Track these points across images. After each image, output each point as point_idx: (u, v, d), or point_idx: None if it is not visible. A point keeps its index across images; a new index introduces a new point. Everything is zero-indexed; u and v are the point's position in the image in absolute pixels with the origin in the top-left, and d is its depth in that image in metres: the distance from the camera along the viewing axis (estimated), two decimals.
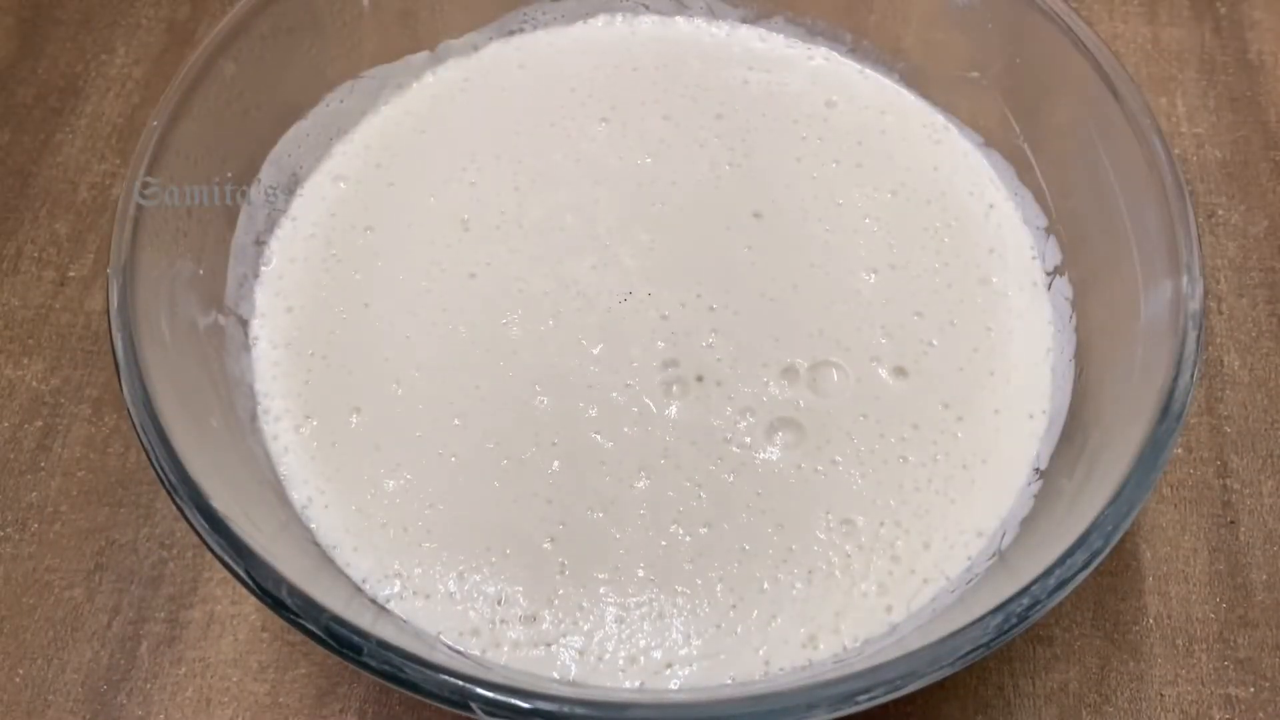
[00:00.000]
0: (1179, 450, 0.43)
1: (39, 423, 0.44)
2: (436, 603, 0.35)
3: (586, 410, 0.38)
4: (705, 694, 0.34)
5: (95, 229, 0.49)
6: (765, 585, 0.35)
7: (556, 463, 0.37)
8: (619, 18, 0.48)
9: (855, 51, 0.47)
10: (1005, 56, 0.43)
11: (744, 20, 0.48)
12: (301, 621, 0.29)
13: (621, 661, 0.34)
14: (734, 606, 0.35)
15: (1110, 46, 0.39)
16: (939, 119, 0.45)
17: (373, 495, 0.37)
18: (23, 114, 0.52)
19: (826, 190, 0.43)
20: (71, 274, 0.48)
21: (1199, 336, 0.33)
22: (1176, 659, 0.40)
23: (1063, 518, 0.33)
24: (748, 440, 0.38)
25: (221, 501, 0.31)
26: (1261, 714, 0.39)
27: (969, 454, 0.38)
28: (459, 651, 0.34)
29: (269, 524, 0.34)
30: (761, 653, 0.34)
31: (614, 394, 0.38)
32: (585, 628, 0.35)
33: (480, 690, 0.28)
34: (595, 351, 0.39)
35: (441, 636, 0.35)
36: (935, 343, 0.40)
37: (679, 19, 0.48)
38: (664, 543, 0.36)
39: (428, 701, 0.29)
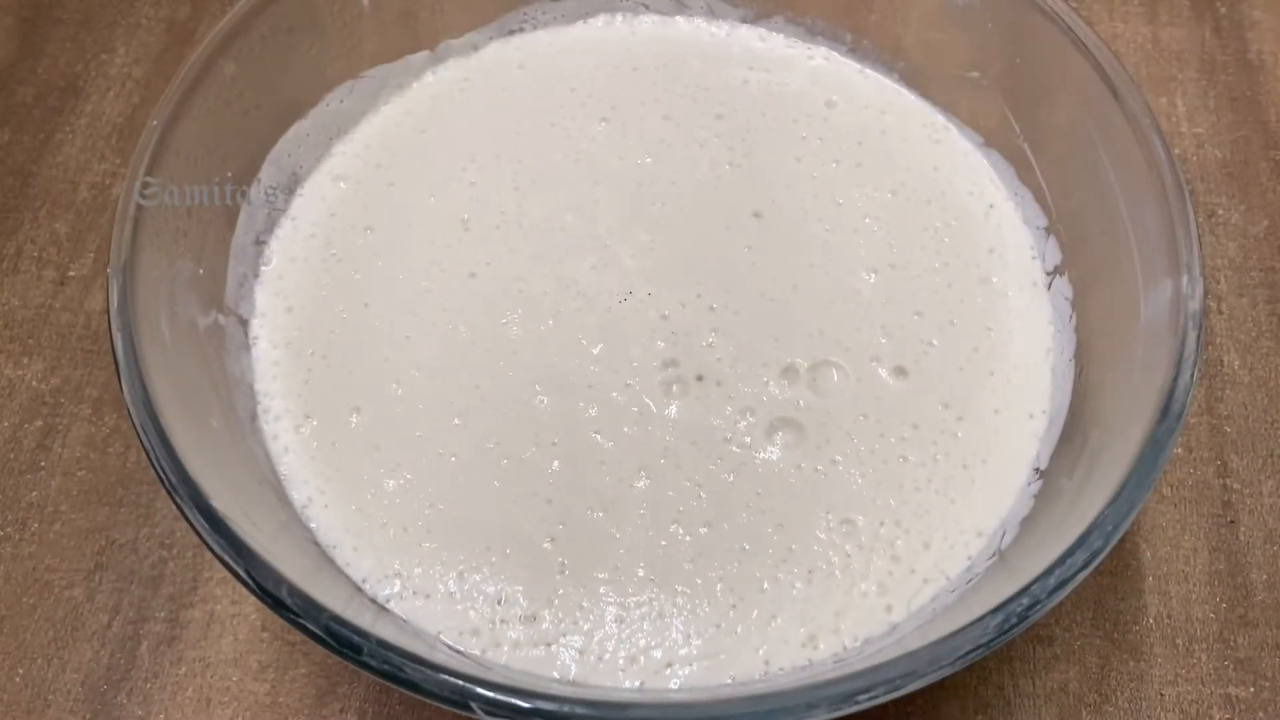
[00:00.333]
0: (1179, 450, 0.43)
1: (39, 423, 0.44)
2: (436, 602, 0.35)
3: (586, 410, 0.38)
4: (705, 694, 0.34)
5: (95, 229, 0.49)
6: (765, 585, 0.35)
7: (556, 462, 0.37)
8: (619, 17, 0.48)
9: (855, 51, 0.47)
10: (1005, 56, 0.43)
11: (744, 20, 0.48)
12: (301, 621, 0.29)
13: (621, 661, 0.34)
14: (734, 606, 0.35)
15: (1110, 46, 0.39)
16: (939, 119, 0.45)
17: (373, 495, 0.37)
18: (23, 113, 0.52)
19: (826, 190, 0.43)
20: (71, 274, 0.48)
21: (1199, 336, 0.33)
22: (1176, 659, 0.40)
23: (1063, 517, 0.33)
24: (748, 440, 0.38)
25: (221, 501, 0.31)
26: (1261, 714, 0.39)
27: (969, 454, 0.38)
28: (459, 651, 0.34)
29: (269, 524, 0.34)
30: (761, 652, 0.34)
31: (614, 394, 0.38)
32: (585, 627, 0.35)
33: (480, 690, 0.28)
34: (595, 351, 0.39)
35: (441, 636, 0.35)
36: (935, 343, 0.40)
37: (679, 19, 0.48)
38: (664, 542, 0.36)
39: (428, 701, 0.29)
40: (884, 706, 0.29)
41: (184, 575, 0.41)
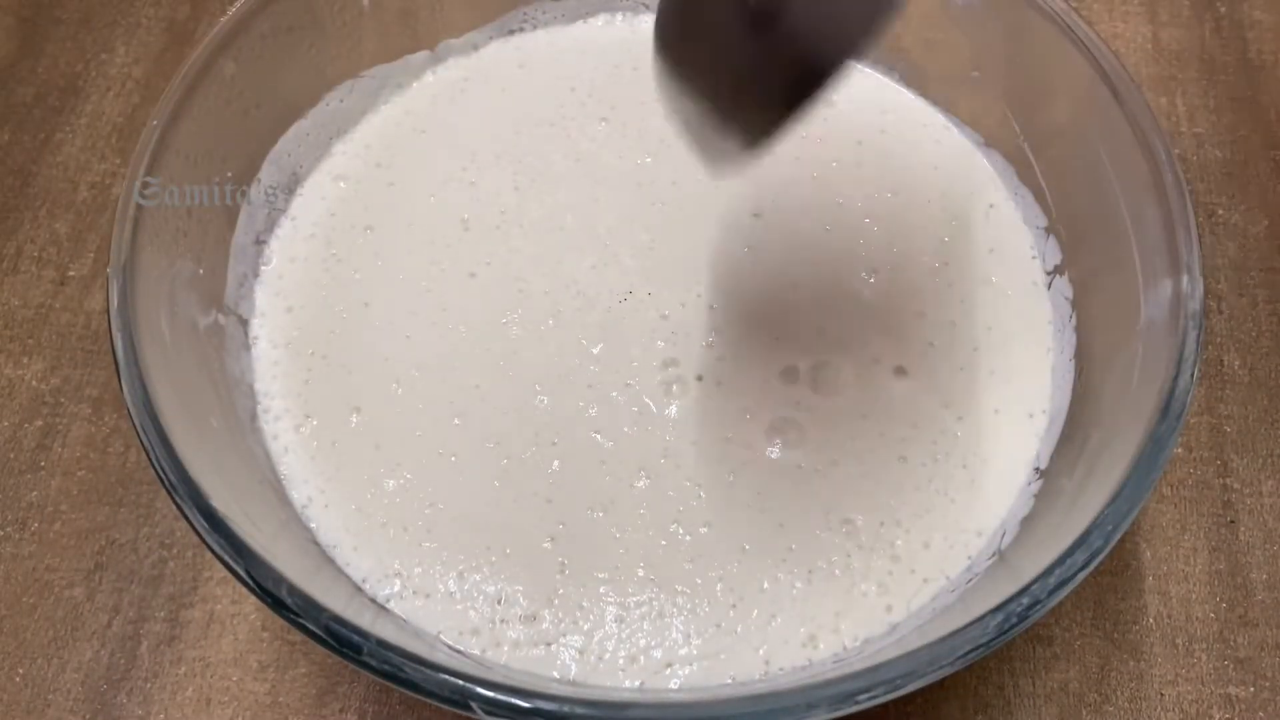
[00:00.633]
0: (1179, 450, 0.43)
1: (39, 422, 0.44)
2: (436, 602, 0.35)
3: (586, 410, 0.38)
4: (705, 694, 0.34)
5: (95, 229, 0.49)
6: (765, 585, 0.35)
7: (556, 462, 0.37)
8: (619, 17, 0.48)
9: None
10: (1005, 56, 0.43)
11: None
12: (301, 621, 0.29)
13: (621, 661, 0.34)
14: (734, 606, 0.35)
15: (1110, 46, 0.39)
16: (939, 119, 0.45)
17: (373, 495, 0.37)
18: (23, 113, 0.52)
19: (826, 190, 0.43)
20: (71, 273, 0.48)
21: (1199, 336, 0.33)
22: (1176, 659, 0.40)
23: (1063, 517, 0.33)
24: (748, 440, 0.38)
25: (221, 501, 0.31)
26: (1261, 714, 0.39)
27: (969, 454, 0.38)
28: (459, 651, 0.34)
29: (269, 523, 0.34)
30: (761, 652, 0.34)
31: (614, 393, 0.38)
32: (585, 627, 0.35)
33: (480, 690, 0.28)
34: (595, 351, 0.39)
35: (441, 636, 0.35)
36: (935, 343, 0.40)
37: None
38: (664, 542, 0.36)
39: (428, 701, 0.29)
40: (884, 706, 0.29)
41: (184, 575, 0.41)
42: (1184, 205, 0.35)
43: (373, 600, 0.35)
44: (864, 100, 0.46)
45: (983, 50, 0.43)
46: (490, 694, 0.28)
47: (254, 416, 0.38)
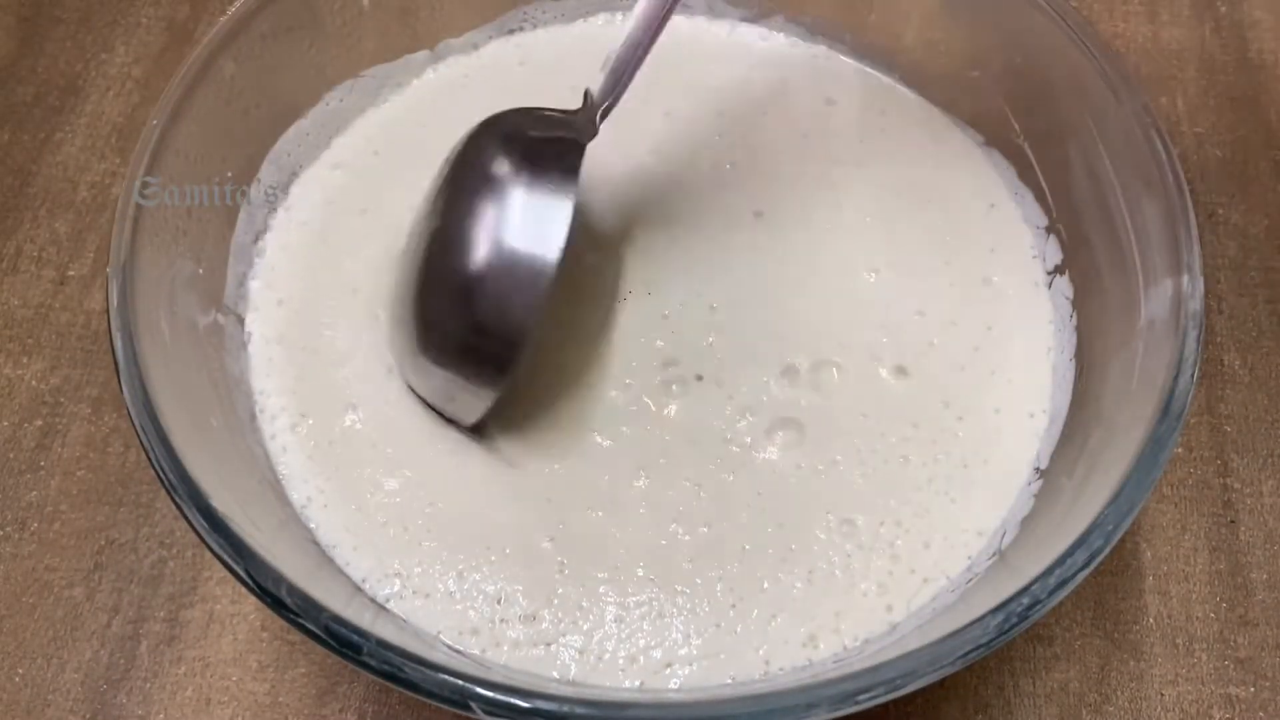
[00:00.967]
0: (1179, 449, 0.43)
1: (39, 422, 0.44)
2: (436, 602, 0.35)
3: (586, 409, 0.38)
4: (705, 694, 0.34)
5: (95, 228, 0.49)
6: (765, 585, 0.35)
7: (556, 462, 0.37)
8: (619, 16, 0.48)
9: (855, 50, 0.47)
10: (1005, 56, 0.43)
11: (744, 19, 0.48)
12: (301, 621, 0.29)
13: (621, 661, 0.34)
14: (734, 606, 0.35)
15: (1111, 46, 0.39)
16: (939, 118, 0.45)
17: (372, 494, 0.37)
18: (22, 113, 0.52)
19: (827, 190, 0.43)
20: (71, 273, 0.48)
21: (1199, 336, 0.33)
22: (1176, 659, 0.40)
23: (1063, 517, 0.33)
24: (748, 440, 0.38)
25: (221, 501, 0.31)
26: (1261, 714, 0.39)
27: (969, 453, 0.38)
28: (459, 651, 0.34)
29: (268, 523, 0.34)
30: (761, 652, 0.34)
31: (613, 393, 0.38)
32: (585, 627, 0.35)
33: (480, 690, 0.28)
34: (595, 350, 0.39)
35: (441, 636, 0.35)
36: (936, 342, 0.40)
37: (679, 18, 0.47)
38: (664, 542, 0.36)
39: (428, 701, 0.29)
40: (884, 706, 0.29)
41: (184, 575, 0.41)
42: (1184, 205, 0.35)
43: (372, 600, 0.35)
44: (864, 99, 0.46)
45: (983, 50, 0.43)
46: (490, 694, 0.28)
47: (253, 416, 0.38)
